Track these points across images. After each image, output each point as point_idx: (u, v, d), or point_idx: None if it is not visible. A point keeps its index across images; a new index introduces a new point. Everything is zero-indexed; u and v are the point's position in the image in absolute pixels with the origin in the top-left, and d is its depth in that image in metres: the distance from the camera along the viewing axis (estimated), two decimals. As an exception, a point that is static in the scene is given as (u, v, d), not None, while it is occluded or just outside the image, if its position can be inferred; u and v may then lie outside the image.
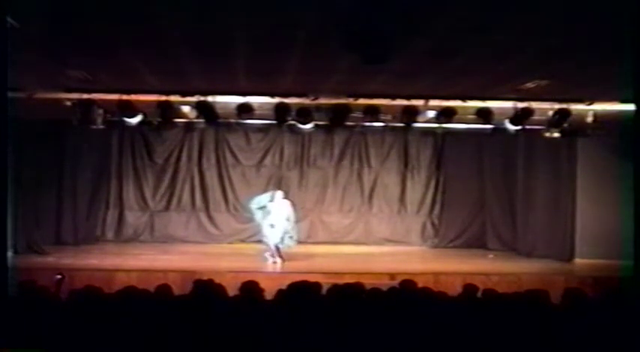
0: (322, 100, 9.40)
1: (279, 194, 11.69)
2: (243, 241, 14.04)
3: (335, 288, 5.79)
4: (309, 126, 10.37)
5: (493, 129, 10.16)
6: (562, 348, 4.42)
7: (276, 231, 11.20)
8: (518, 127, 10.02)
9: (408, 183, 14.91)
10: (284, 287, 5.79)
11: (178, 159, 14.60)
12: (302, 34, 5.97)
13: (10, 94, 4.61)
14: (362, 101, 9.37)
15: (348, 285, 5.97)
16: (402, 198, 14.87)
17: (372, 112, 9.62)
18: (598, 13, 5.21)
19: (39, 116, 10.77)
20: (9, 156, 4.50)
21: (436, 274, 10.01)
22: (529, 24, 5.62)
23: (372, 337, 4.36)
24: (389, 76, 7.80)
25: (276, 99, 9.33)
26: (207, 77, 8.30)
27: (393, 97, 9.27)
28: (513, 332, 4.55)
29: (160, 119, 9.84)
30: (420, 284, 6.56)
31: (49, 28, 5.92)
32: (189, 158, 14.63)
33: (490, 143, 13.40)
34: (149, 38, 6.29)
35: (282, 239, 11.26)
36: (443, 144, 14.55)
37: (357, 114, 9.73)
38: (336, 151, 14.79)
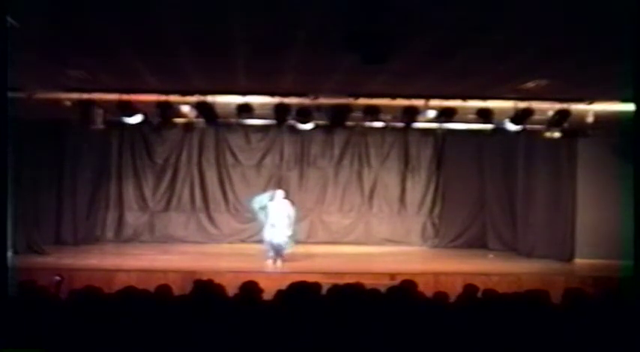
0: (322, 100, 9.39)
1: (280, 193, 11.68)
2: (243, 241, 14.05)
3: (335, 288, 5.80)
4: (309, 126, 10.37)
5: (493, 129, 10.15)
6: (562, 348, 4.42)
7: (278, 230, 11.20)
8: (519, 127, 10.02)
9: (408, 183, 14.90)
10: (284, 287, 5.79)
11: (178, 159, 14.60)
12: (302, 34, 5.97)
13: (10, 94, 4.60)
14: (362, 101, 9.36)
15: (348, 285, 5.97)
16: (402, 198, 14.87)
17: (372, 112, 9.61)
18: (598, 13, 5.21)
19: (39, 116, 10.77)
20: (9, 156, 4.49)
21: (436, 274, 10.01)
22: (529, 24, 5.62)
23: (372, 337, 4.35)
24: (389, 76, 7.80)
25: (276, 99, 9.33)
26: (207, 77, 8.30)
27: (393, 97, 9.26)
28: (513, 332, 4.55)
29: (160, 119, 9.84)
30: (421, 285, 6.57)
31: (49, 28, 5.93)
32: (189, 158, 14.62)
33: (490, 143, 13.40)
34: (149, 38, 6.29)
35: (283, 239, 11.25)
36: (443, 144, 14.54)
37: (357, 114, 9.73)
38: (336, 151, 14.78)
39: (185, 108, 9.70)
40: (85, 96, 9.13)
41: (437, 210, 14.85)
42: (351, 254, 13.03)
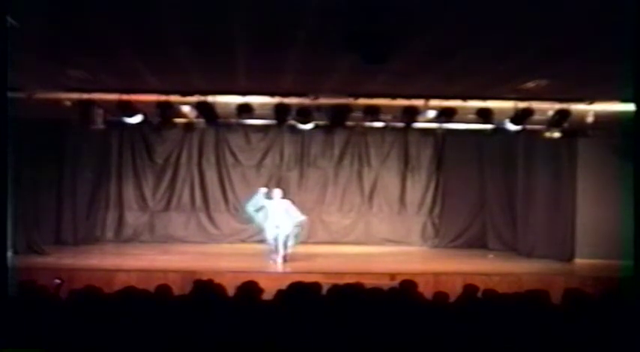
0: (322, 100, 9.39)
1: (278, 192, 11.66)
2: (243, 241, 14.05)
3: (335, 288, 5.80)
4: (309, 126, 10.37)
5: (493, 129, 10.15)
6: (562, 348, 4.42)
7: (282, 230, 11.19)
8: (519, 127, 10.02)
9: (408, 183, 14.90)
10: (284, 287, 5.79)
11: (178, 159, 14.60)
12: (302, 34, 5.97)
13: (10, 94, 4.60)
14: (362, 101, 9.36)
15: (348, 285, 5.98)
16: (402, 198, 14.86)
17: (372, 112, 9.61)
18: (598, 13, 5.21)
19: (39, 116, 10.76)
20: (9, 156, 4.49)
21: (436, 274, 10.01)
22: (529, 24, 5.61)
23: (373, 337, 4.35)
24: (389, 76, 7.79)
25: (276, 99, 9.33)
26: (207, 77, 8.30)
27: (393, 97, 9.26)
28: (513, 332, 4.54)
29: (160, 119, 9.84)
30: (421, 285, 6.57)
31: (49, 28, 5.92)
32: (189, 158, 14.63)
33: (490, 143, 13.40)
34: (149, 38, 6.29)
35: (287, 239, 11.24)
36: (443, 144, 14.54)
37: (357, 114, 9.73)
38: (336, 151, 14.78)
39: (185, 108, 9.70)
40: (85, 96, 9.13)
41: (437, 210, 14.85)
42: (351, 254, 13.02)
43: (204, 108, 9.56)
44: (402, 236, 14.70)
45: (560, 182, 12.60)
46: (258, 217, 11.48)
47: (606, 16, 5.24)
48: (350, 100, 9.33)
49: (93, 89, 8.92)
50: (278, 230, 11.19)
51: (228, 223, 14.51)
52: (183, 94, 9.28)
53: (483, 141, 13.33)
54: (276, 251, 11.21)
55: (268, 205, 11.39)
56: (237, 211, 14.28)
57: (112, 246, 13.56)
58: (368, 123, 10.39)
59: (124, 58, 7.15)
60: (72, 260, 11.01)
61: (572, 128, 10.38)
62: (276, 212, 11.29)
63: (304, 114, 9.85)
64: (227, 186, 14.64)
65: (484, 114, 9.63)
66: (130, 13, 5.46)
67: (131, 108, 9.57)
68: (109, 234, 14.26)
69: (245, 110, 9.48)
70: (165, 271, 9.73)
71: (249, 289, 5.60)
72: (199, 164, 14.67)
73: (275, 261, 11.16)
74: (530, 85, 8.20)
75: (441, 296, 5.96)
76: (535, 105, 9.38)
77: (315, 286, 5.90)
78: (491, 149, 13.89)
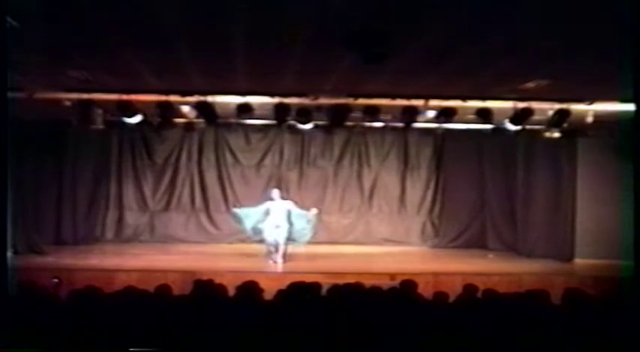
0: (322, 100, 9.39)
1: (277, 193, 11.65)
2: (243, 241, 13.96)
3: (335, 288, 5.80)
4: (309, 126, 10.37)
5: (493, 129, 10.15)
6: (562, 348, 4.42)
7: (282, 230, 11.20)
8: (519, 127, 10.02)
9: (408, 183, 14.90)
10: (284, 287, 5.79)
11: (178, 159, 14.60)
12: (302, 33, 5.97)
13: (10, 94, 4.60)
14: (362, 101, 9.36)
15: (348, 285, 5.98)
16: (402, 198, 14.87)
17: (372, 112, 9.62)
18: (598, 13, 5.21)
19: (39, 116, 10.77)
20: (9, 156, 4.49)
21: (436, 274, 10.00)
22: (529, 24, 5.61)
23: (373, 337, 4.36)
24: (389, 75, 7.80)
25: (276, 99, 9.33)
26: (207, 77, 8.30)
27: (393, 97, 9.27)
28: (513, 332, 4.54)
29: (159, 119, 9.84)
30: (421, 285, 6.57)
31: (49, 28, 5.92)
32: (189, 158, 14.62)
33: (490, 143, 13.40)
34: (149, 38, 6.28)
35: (293, 236, 11.28)
36: (443, 144, 14.54)
37: (357, 114, 9.73)
38: (336, 151, 14.78)
39: (185, 109, 9.70)
40: (85, 96, 9.12)
41: (437, 210, 14.85)
42: (351, 254, 13.02)
43: (204, 108, 9.56)
44: (401, 236, 14.70)
45: (560, 182, 12.60)
46: (247, 222, 11.46)
47: (606, 16, 5.24)
48: (350, 100, 9.33)
49: (93, 89, 8.92)
50: (277, 230, 11.19)
51: (228, 223, 14.43)
52: (183, 94, 9.28)
53: (483, 141, 13.34)
54: (275, 251, 11.21)
55: (268, 206, 11.39)
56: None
57: (112, 246, 13.55)
58: (368, 123, 10.39)
59: (124, 58, 7.15)
60: (72, 260, 11.00)
61: (572, 128, 10.38)
62: (276, 212, 11.28)
63: (304, 114, 9.85)
64: (227, 186, 14.63)
65: (484, 114, 9.63)
66: (130, 12, 5.46)
67: (131, 108, 9.57)
68: (109, 234, 14.25)
69: (245, 110, 9.48)
70: (165, 271, 9.72)
71: (249, 289, 5.60)
72: (199, 164, 14.67)
73: (275, 261, 11.17)
74: (530, 85, 8.20)
75: (441, 296, 5.97)
76: (535, 105, 9.38)
77: (315, 286, 5.91)
78: (491, 149, 13.88)
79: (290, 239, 11.38)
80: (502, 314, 5.14)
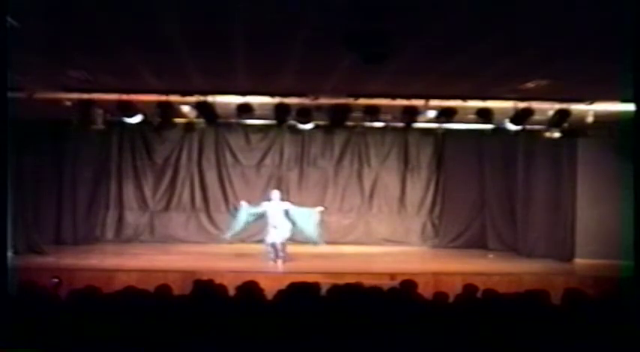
0: (322, 100, 9.39)
1: (276, 194, 11.66)
2: (243, 241, 14.00)
3: (335, 288, 5.80)
4: (309, 126, 10.38)
5: (493, 129, 10.15)
6: (562, 348, 4.42)
7: (280, 231, 11.20)
8: (519, 127, 10.02)
9: (408, 183, 14.90)
10: (284, 287, 5.79)
11: (178, 159, 14.60)
12: (302, 33, 5.97)
13: (10, 94, 4.60)
14: (362, 101, 9.37)
15: (348, 285, 5.98)
16: (402, 198, 14.86)
17: (372, 112, 9.62)
18: (598, 13, 5.21)
19: (39, 116, 10.77)
20: (9, 156, 4.49)
21: (436, 274, 10.00)
22: (529, 24, 5.61)
23: (373, 337, 4.35)
24: (389, 76, 7.80)
25: (276, 99, 9.33)
26: (207, 77, 8.30)
27: (393, 97, 9.27)
28: (513, 332, 4.54)
29: (159, 119, 9.84)
30: (421, 285, 6.57)
31: (49, 28, 5.92)
32: (189, 158, 14.62)
33: (490, 143, 13.40)
34: (149, 38, 6.28)
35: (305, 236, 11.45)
36: (443, 144, 14.53)
37: (357, 114, 9.73)
38: (336, 151, 14.77)
39: (185, 109, 9.70)
40: (85, 96, 9.12)
41: (437, 210, 14.84)
42: (351, 254, 13.02)
43: (204, 108, 9.56)
44: (401, 236, 14.70)
45: (560, 182, 12.60)
46: (240, 223, 11.47)
47: (606, 16, 5.24)
48: (350, 100, 9.33)
49: (93, 89, 8.92)
50: (276, 231, 11.21)
51: (228, 223, 14.48)
52: (183, 94, 9.29)
53: (483, 141, 13.34)
54: (275, 252, 11.22)
55: (267, 207, 11.40)
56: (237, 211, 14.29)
57: (112, 246, 13.55)
58: (368, 123, 10.39)
59: (124, 58, 7.15)
60: (72, 260, 11.00)
61: (572, 128, 10.38)
62: (273, 214, 11.29)
63: (304, 114, 9.85)
64: (227, 186, 14.63)
65: (484, 115, 9.64)
66: (130, 13, 5.46)
67: (131, 108, 9.57)
68: (109, 234, 14.25)
69: (245, 110, 9.48)
70: (165, 271, 9.72)
71: (249, 289, 5.60)
72: (199, 164, 14.66)
73: (275, 261, 11.17)
74: (530, 85, 8.20)
75: (440, 296, 5.97)
76: (535, 105, 9.39)
77: (315, 286, 5.91)
78: (491, 149, 13.88)
79: (305, 239, 11.52)
80: (502, 314, 5.14)
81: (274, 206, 11.39)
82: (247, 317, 4.70)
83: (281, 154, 14.74)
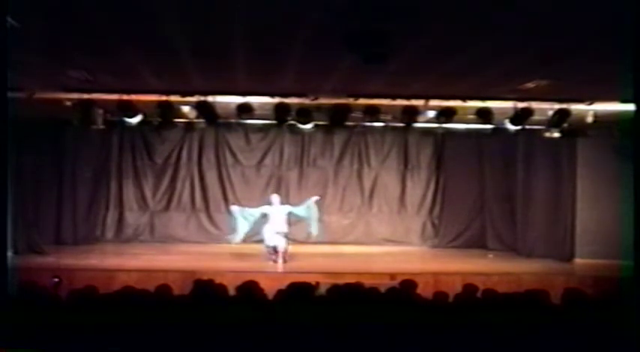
0: (322, 100, 9.40)
1: (276, 198, 11.66)
2: (243, 241, 14.02)
3: (335, 288, 5.80)
4: (309, 126, 10.38)
5: (493, 129, 10.15)
6: (562, 348, 4.42)
7: (282, 236, 11.23)
8: (518, 127, 10.02)
9: (408, 183, 14.90)
10: (284, 287, 5.79)
11: (178, 159, 14.60)
12: (302, 33, 5.97)
13: (10, 94, 4.60)
14: (362, 101, 9.37)
15: (348, 285, 5.98)
16: (402, 198, 14.86)
17: (372, 112, 9.63)
18: (598, 13, 5.21)
19: (39, 116, 10.77)
20: (9, 156, 4.49)
21: (436, 274, 10.01)
22: (529, 24, 5.61)
23: (372, 337, 4.36)
24: (389, 76, 7.80)
25: (276, 99, 9.33)
26: (207, 77, 8.30)
27: (393, 97, 9.27)
28: (513, 332, 4.55)
29: (160, 119, 9.84)
30: (420, 285, 6.58)
31: (49, 28, 5.92)
32: (189, 158, 14.62)
33: (490, 143, 13.40)
34: (149, 38, 6.29)
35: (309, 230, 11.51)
36: (443, 144, 14.54)
37: (357, 114, 9.74)
38: (336, 151, 14.78)
39: (185, 109, 9.70)
40: (85, 96, 9.13)
41: (437, 210, 14.85)
42: (351, 254, 13.03)
43: (204, 109, 9.57)
44: (401, 236, 14.70)
45: (560, 182, 12.60)
46: (241, 224, 11.48)
47: (606, 16, 5.24)
48: (350, 100, 9.33)
49: (93, 89, 8.92)
50: (277, 236, 11.22)
51: (228, 223, 14.47)
52: (183, 94, 9.29)
53: (483, 141, 13.35)
54: (275, 254, 11.23)
55: (266, 210, 11.40)
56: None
57: (112, 246, 13.56)
58: (368, 124, 10.39)
59: (124, 58, 7.15)
60: (72, 260, 11.01)
61: (572, 128, 10.39)
62: (275, 218, 11.29)
63: (304, 114, 9.85)
64: (227, 186, 14.62)
65: (484, 115, 9.64)
66: (130, 13, 5.46)
67: (131, 109, 9.57)
68: (109, 234, 14.26)
69: (245, 110, 9.48)
70: (165, 271, 9.73)
71: (249, 289, 5.60)
72: (199, 164, 14.66)
73: (275, 261, 11.18)
74: (530, 85, 8.20)
75: (440, 296, 5.97)
76: (535, 105, 9.39)
77: (315, 286, 5.91)
78: (491, 149, 13.89)
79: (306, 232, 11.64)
80: (502, 314, 5.14)
81: (275, 210, 11.39)
82: (247, 317, 4.70)
83: (281, 154, 14.74)
